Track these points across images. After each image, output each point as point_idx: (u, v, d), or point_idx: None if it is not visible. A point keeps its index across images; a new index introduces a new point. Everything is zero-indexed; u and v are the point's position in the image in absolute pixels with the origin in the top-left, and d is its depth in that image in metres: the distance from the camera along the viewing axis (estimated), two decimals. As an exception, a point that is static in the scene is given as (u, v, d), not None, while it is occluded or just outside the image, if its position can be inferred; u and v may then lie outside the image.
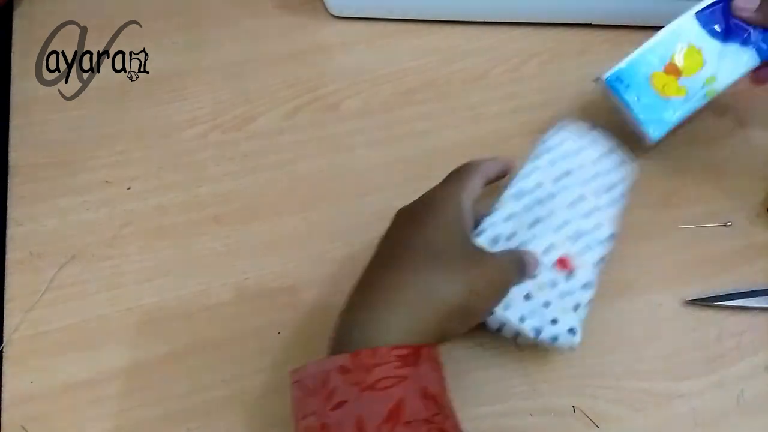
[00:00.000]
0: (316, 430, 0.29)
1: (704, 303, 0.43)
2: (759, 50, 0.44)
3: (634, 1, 0.56)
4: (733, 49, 0.44)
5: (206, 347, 0.41)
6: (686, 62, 0.45)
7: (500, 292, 0.36)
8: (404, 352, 0.29)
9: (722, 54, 0.45)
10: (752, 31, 0.44)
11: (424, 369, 0.30)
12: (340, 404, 0.29)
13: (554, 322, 0.37)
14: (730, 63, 0.44)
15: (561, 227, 0.39)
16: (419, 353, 0.30)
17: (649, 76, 0.44)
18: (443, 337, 0.33)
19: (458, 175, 0.38)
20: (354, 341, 0.31)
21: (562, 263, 0.38)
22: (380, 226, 0.37)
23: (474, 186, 0.38)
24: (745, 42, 0.44)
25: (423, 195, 0.37)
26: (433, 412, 0.29)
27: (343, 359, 0.29)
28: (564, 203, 0.40)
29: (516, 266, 0.37)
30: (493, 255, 0.37)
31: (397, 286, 0.32)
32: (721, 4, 0.45)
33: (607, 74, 0.45)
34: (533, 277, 0.38)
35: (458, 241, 0.35)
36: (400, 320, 0.31)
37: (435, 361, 0.31)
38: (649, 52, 0.45)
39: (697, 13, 0.45)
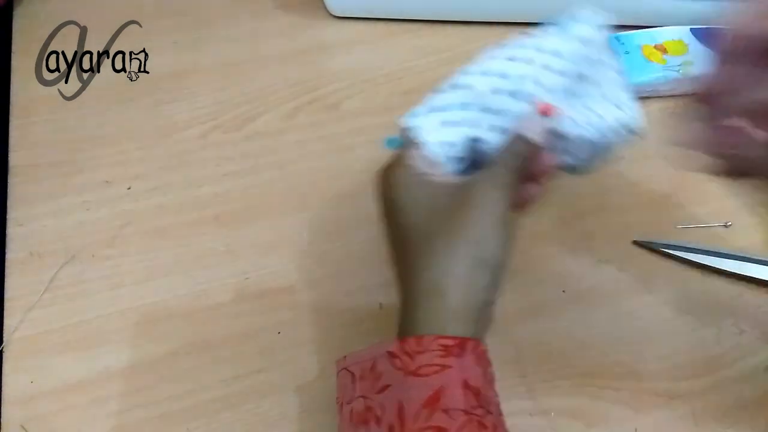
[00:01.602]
0: (362, 412, 0.30)
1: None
2: None
3: (634, 2, 0.56)
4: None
5: (206, 347, 0.41)
6: (673, 46, 0.55)
7: (499, 214, 0.32)
8: (449, 342, 0.30)
9: (705, 54, 0.53)
10: None
11: (468, 361, 0.30)
12: (384, 388, 0.29)
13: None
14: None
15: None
16: (464, 345, 0.30)
17: (641, 46, 0.55)
18: (481, 308, 0.32)
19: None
20: (405, 330, 0.31)
21: (546, 110, 0.35)
22: (380, 227, 0.37)
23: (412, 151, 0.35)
24: None
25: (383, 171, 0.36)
26: (473, 404, 0.29)
27: (391, 345, 0.30)
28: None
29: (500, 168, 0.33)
30: (470, 186, 0.33)
31: (418, 284, 0.32)
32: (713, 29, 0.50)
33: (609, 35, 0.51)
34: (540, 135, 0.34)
35: (430, 203, 0.33)
36: (431, 313, 0.31)
37: (481, 356, 0.31)
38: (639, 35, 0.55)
39: (692, 28, 0.55)
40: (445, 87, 0.36)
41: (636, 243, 0.46)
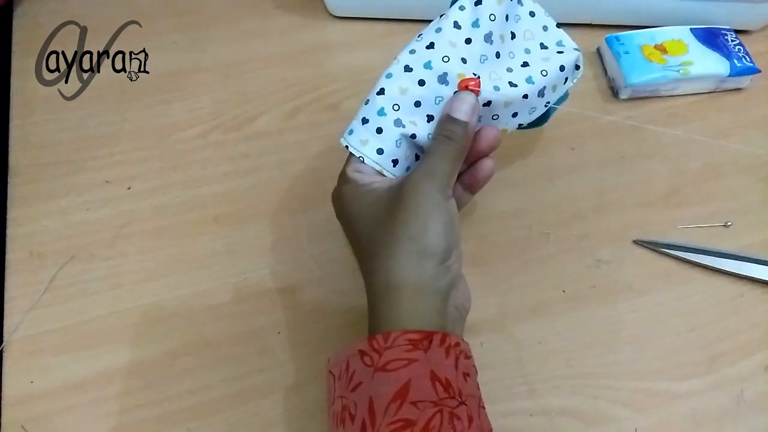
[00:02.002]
0: (339, 412, 0.30)
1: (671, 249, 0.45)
2: (732, 66, 0.53)
3: (634, 2, 0.56)
4: (714, 55, 0.54)
5: (206, 347, 0.41)
6: (673, 46, 0.55)
7: (434, 204, 0.33)
8: (415, 336, 0.30)
9: (704, 53, 0.54)
10: (732, 51, 0.54)
11: (436, 354, 0.30)
12: (357, 386, 0.30)
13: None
14: (708, 61, 0.53)
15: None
16: (431, 338, 0.30)
17: (641, 46, 0.54)
18: (442, 294, 0.33)
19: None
20: (372, 328, 0.32)
21: (467, 85, 0.36)
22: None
23: (353, 163, 0.37)
24: (724, 55, 0.54)
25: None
26: (443, 395, 0.29)
27: (361, 344, 0.31)
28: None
29: (444, 141, 0.35)
30: (403, 182, 0.34)
31: (378, 284, 0.33)
32: (713, 29, 0.56)
33: (609, 35, 0.56)
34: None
35: (373, 210, 0.34)
36: (395, 310, 0.31)
37: (452, 349, 0.31)
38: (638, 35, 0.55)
39: (692, 28, 0.56)
40: (372, 95, 0.37)
41: (636, 243, 0.46)
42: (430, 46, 0.36)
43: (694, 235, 0.47)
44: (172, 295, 0.43)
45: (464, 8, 0.37)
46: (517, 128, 0.40)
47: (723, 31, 0.56)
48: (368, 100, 0.37)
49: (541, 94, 0.39)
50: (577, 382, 0.40)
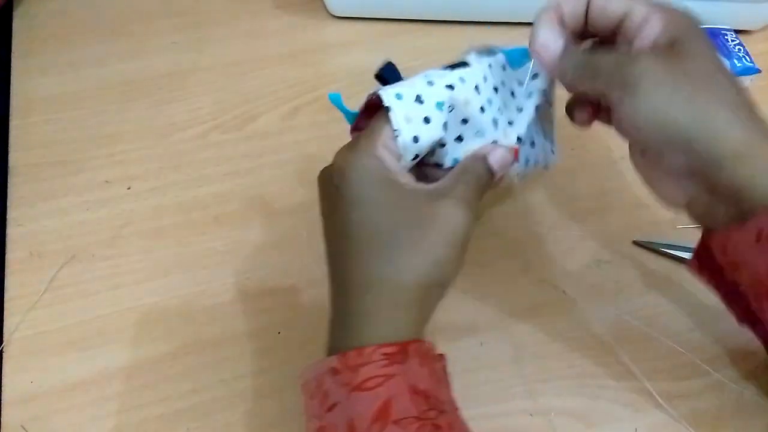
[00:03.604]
0: None
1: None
2: (732, 65, 0.53)
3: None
4: None
5: (206, 347, 0.41)
6: None
7: (462, 242, 0.31)
8: (390, 350, 0.29)
9: None
10: (732, 51, 0.53)
11: (413, 365, 0.29)
12: (333, 406, 0.29)
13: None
14: None
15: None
16: (407, 350, 0.29)
17: None
18: (428, 318, 0.32)
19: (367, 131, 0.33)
20: (343, 342, 0.31)
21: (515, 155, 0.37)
22: (319, 216, 0.36)
23: (384, 135, 0.32)
24: (724, 55, 0.53)
25: (336, 156, 0.33)
26: (424, 408, 0.28)
27: (332, 361, 0.29)
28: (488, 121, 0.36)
29: (468, 179, 0.33)
30: (438, 200, 0.32)
31: (361, 283, 0.31)
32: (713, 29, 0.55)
33: None
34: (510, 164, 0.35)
35: (398, 205, 0.31)
36: (373, 317, 0.30)
37: (426, 356, 0.30)
38: None
39: None
40: (440, 83, 0.34)
41: (636, 243, 0.46)
42: (495, 89, 0.36)
43: (694, 235, 0.47)
44: (172, 295, 0.43)
45: (505, 68, 0.37)
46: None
47: (723, 31, 0.55)
48: (432, 82, 0.33)
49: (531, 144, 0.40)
50: (577, 382, 0.40)
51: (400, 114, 0.32)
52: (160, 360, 0.40)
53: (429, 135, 0.33)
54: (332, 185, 0.32)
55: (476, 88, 0.35)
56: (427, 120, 0.33)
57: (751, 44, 0.55)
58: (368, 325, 0.30)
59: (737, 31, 0.56)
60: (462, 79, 0.34)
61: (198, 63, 0.55)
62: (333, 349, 0.31)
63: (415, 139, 0.32)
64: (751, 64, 0.53)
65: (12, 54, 0.55)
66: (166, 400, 0.39)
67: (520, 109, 0.37)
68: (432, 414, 0.28)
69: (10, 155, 0.49)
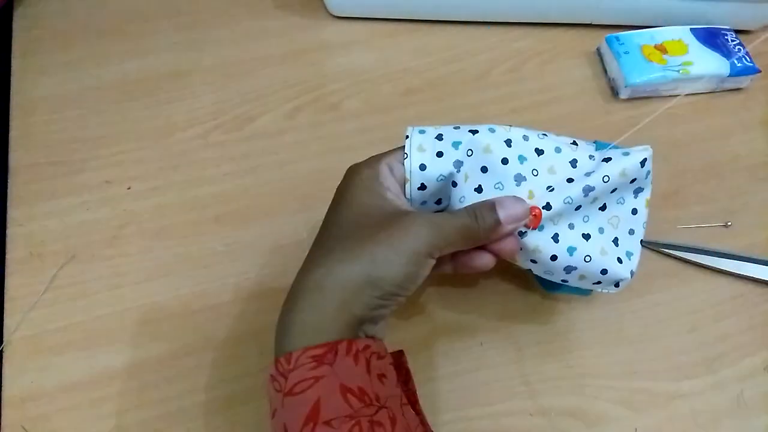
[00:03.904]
0: None
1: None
2: (732, 65, 0.53)
3: (634, 2, 0.56)
4: (714, 55, 0.54)
5: (206, 347, 0.41)
6: (673, 46, 0.55)
7: (414, 251, 0.31)
8: (318, 351, 0.29)
9: (704, 53, 0.54)
10: (732, 51, 0.54)
11: (343, 365, 0.29)
12: (273, 413, 0.29)
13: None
14: (708, 61, 0.54)
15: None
16: (336, 349, 0.29)
17: (641, 46, 0.54)
18: (362, 320, 0.31)
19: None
20: (280, 348, 0.31)
21: (535, 214, 0.33)
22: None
23: (396, 156, 0.35)
24: (724, 55, 0.54)
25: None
26: (358, 406, 0.28)
27: (270, 368, 0.30)
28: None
29: (464, 217, 0.32)
30: (409, 214, 0.32)
31: (300, 284, 0.32)
32: (713, 29, 0.56)
33: (609, 35, 0.56)
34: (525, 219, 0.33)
35: (367, 212, 0.32)
36: (306, 317, 0.30)
37: (360, 354, 0.30)
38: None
39: (692, 28, 0.56)
40: (464, 127, 0.35)
41: (636, 243, 0.46)
42: (540, 151, 0.34)
43: (694, 235, 0.47)
44: (172, 295, 0.43)
45: (593, 158, 0.35)
46: (526, 267, 0.37)
47: (723, 31, 0.56)
48: (458, 126, 0.35)
49: (567, 270, 0.35)
50: (577, 382, 0.40)
51: (415, 142, 0.34)
52: (160, 360, 0.40)
53: (437, 167, 0.34)
54: (342, 181, 0.35)
55: (507, 141, 0.34)
56: (439, 154, 0.34)
57: (751, 44, 0.55)
58: (299, 329, 0.30)
59: (737, 31, 0.56)
60: (491, 129, 0.34)
61: (198, 63, 0.55)
62: (276, 356, 0.31)
63: (422, 167, 0.34)
64: (751, 64, 0.53)
65: (12, 54, 0.55)
66: (166, 400, 0.39)
67: (570, 180, 0.34)
68: (369, 411, 0.28)
69: (10, 155, 0.49)
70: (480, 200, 0.33)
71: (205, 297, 0.43)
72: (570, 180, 0.34)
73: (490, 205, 0.32)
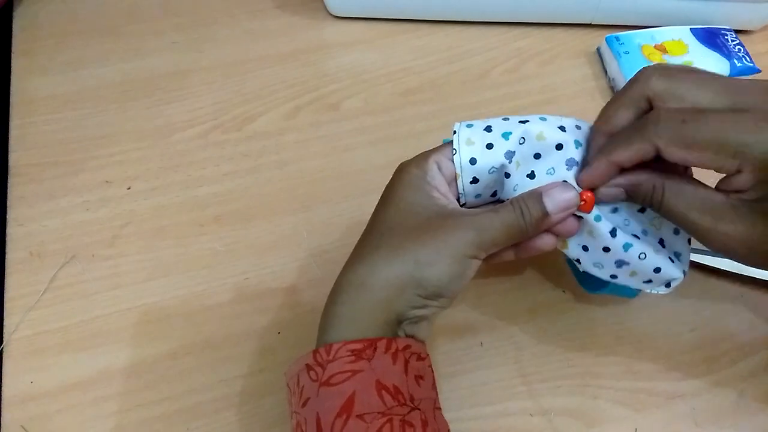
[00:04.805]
0: (295, 428, 0.30)
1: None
2: (732, 65, 0.53)
3: (634, 2, 0.56)
4: (714, 55, 0.54)
5: (206, 347, 0.41)
6: (673, 46, 0.55)
7: (458, 254, 0.31)
8: (357, 346, 0.29)
9: (704, 53, 0.54)
10: (732, 51, 0.54)
11: (381, 362, 0.29)
12: (306, 402, 0.29)
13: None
14: (708, 61, 0.54)
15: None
16: (375, 346, 0.29)
17: (641, 46, 0.55)
18: (403, 318, 0.31)
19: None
20: (320, 340, 0.32)
21: (585, 198, 0.32)
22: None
23: (444, 152, 0.34)
24: (724, 55, 0.54)
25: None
26: (392, 404, 0.28)
27: (307, 358, 0.30)
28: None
29: (502, 216, 0.31)
30: (453, 216, 0.32)
31: (344, 279, 0.32)
32: (713, 29, 0.56)
33: (609, 35, 0.56)
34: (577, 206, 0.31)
35: (414, 211, 0.32)
36: (347, 312, 0.31)
37: (399, 354, 0.30)
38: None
39: (692, 28, 0.56)
40: (514, 118, 0.34)
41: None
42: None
43: (694, 235, 0.47)
44: (172, 295, 0.43)
45: None
46: (575, 257, 0.35)
47: (723, 31, 0.56)
48: (508, 117, 0.34)
49: (619, 264, 0.34)
50: (577, 382, 0.40)
51: (463, 136, 0.34)
52: (160, 360, 0.40)
53: (488, 160, 0.33)
54: (391, 179, 0.34)
55: (560, 127, 0.33)
56: (489, 146, 0.33)
57: (751, 44, 0.55)
58: (340, 324, 0.31)
59: (737, 31, 0.56)
60: (543, 118, 0.34)
61: (198, 63, 0.55)
62: (316, 347, 0.32)
63: (472, 161, 0.33)
64: (751, 64, 0.53)
65: (12, 54, 0.55)
66: (166, 400, 0.39)
67: None
68: (402, 410, 0.28)
69: (10, 155, 0.49)
70: (532, 188, 0.32)
71: (205, 297, 0.43)
72: None
73: (537, 196, 0.31)
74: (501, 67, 0.56)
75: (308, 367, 0.30)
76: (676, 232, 0.34)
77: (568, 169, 0.32)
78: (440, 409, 0.31)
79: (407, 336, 0.32)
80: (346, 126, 0.52)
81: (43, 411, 0.38)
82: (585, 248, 0.34)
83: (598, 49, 0.57)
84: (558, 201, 0.31)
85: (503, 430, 0.38)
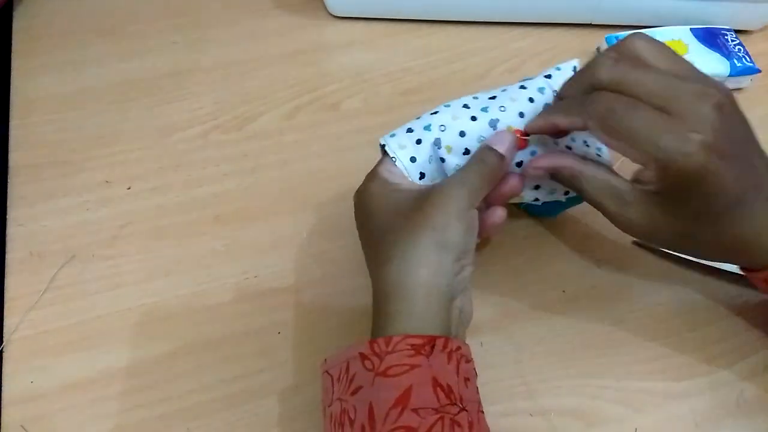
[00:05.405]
0: (338, 414, 0.30)
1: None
2: (732, 65, 0.53)
3: (634, 2, 0.56)
4: (714, 55, 0.54)
5: (206, 347, 0.41)
6: (673, 46, 0.55)
7: (461, 207, 0.33)
8: (417, 341, 0.30)
9: (704, 53, 0.54)
10: (732, 51, 0.54)
11: (438, 359, 0.30)
12: (357, 389, 0.30)
13: None
14: (708, 61, 0.54)
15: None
16: (433, 343, 0.30)
17: None
18: (454, 291, 0.32)
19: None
20: (375, 333, 0.32)
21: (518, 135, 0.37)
22: (358, 239, 0.37)
23: (385, 163, 0.38)
24: (724, 55, 0.54)
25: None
26: (445, 402, 0.29)
27: (362, 347, 0.31)
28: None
29: (473, 171, 0.35)
30: (436, 184, 0.35)
31: (384, 284, 0.32)
32: (713, 29, 0.56)
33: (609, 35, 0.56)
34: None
35: (399, 204, 0.35)
36: (405, 308, 0.31)
37: (453, 353, 0.31)
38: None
39: (692, 28, 0.56)
40: (425, 113, 0.38)
41: (636, 243, 0.46)
42: (493, 97, 0.38)
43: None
44: (172, 295, 0.43)
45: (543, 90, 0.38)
46: (526, 206, 0.41)
47: (723, 31, 0.56)
48: (420, 117, 0.38)
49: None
50: (577, 382, 0.40)
51: (394, 144, 0.37)
52: (160, 360, 0.40)
53: (423, 153, 0.37)
54: (355, 205, 0.37)
55: (465, 105, 0.38)
56: (418, 141, 0.37)
57: (751, 44, 0.55)
58: (399, 322, 0.31)
59: (737, 31, 0.56)
60: (447, 105, 0.38)
61: (198, 63, 0.55)
62: (372, 337, 0.32)
63: (413, 159, 0.37)
64: (751, 64, 0.53)
65: (12, 54, 0.55)
66: (166, 400, 0.39)
67: (531, 100, 0.38)
68: (453, 410, 0.29)
69: (10, 155, 0.49)
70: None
71: (205, 297, 0.43)
72: (531, 99, 0.38)
73: (487, 147, 0.35)
74: (501, 67, 0.56)
75: (363, 356, 0.30)
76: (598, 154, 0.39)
77: (494, 129, 0.37)
78: (483, 413, 0.32)
79: (462, 314, 0.33)
80: (346, 126, 0.52)
81: (43, 411, 0.38)
82: (537, 187, 0.39)
83: (598, 49, 0.57)
84: (504, 144, 0.35)
85: (503, 430, 0.38)
